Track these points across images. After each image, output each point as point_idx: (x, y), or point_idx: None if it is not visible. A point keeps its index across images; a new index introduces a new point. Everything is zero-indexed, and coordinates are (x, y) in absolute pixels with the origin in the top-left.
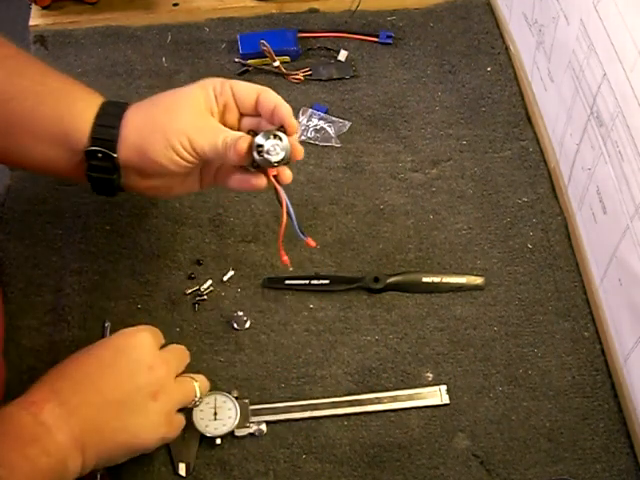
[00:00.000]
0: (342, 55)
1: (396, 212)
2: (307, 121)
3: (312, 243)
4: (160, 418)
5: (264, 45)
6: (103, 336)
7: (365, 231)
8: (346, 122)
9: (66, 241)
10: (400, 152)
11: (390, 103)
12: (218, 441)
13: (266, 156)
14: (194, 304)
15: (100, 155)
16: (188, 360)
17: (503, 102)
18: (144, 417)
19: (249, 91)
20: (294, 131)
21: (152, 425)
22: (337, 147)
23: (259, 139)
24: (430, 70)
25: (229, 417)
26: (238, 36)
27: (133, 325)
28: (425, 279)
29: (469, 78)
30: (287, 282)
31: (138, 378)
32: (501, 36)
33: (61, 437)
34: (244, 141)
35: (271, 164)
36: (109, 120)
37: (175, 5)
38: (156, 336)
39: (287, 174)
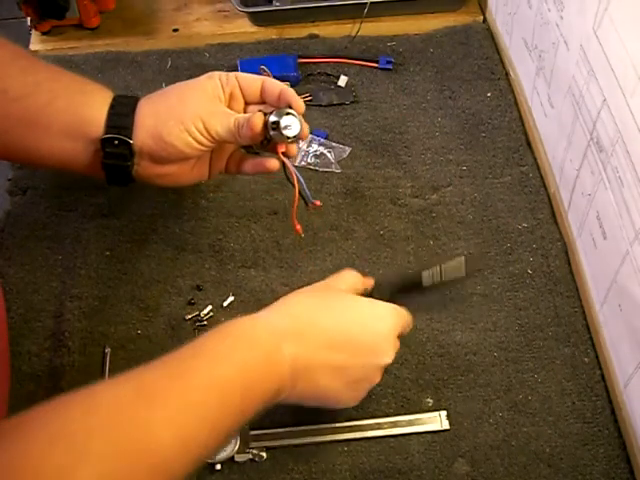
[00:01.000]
0: (342, 80)
1: (396, 238)
2: (307, 147)
3: (318, 203)
4: (362, 395)
5: (264, 70)
6: (103, 363)
7: (365, 257)
8: (346, 148)
9: (66, 266)
10: (400, 178)
11: (390, 129)
12: (218, 467)
13: (284, 132)
14: (194, 330)
15: (116, 142)
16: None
17: (503, 128)
18: (355, 389)
19: (254, 80)
20: (302, 110)
21: (354, 397)
22: (337, 172)
23: (273, 117)
24: (430, 95)
25: (229, 442)
26: (238, 61)
27: (133, 351)
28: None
29: (469, 104)
30: None
31: (374, 364)
32: (501, 62)
33: (286, 371)
34: (258, 117)
35: (287, 139)
36: (123, 109)
37: (175, 31)
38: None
39: (294, 148)
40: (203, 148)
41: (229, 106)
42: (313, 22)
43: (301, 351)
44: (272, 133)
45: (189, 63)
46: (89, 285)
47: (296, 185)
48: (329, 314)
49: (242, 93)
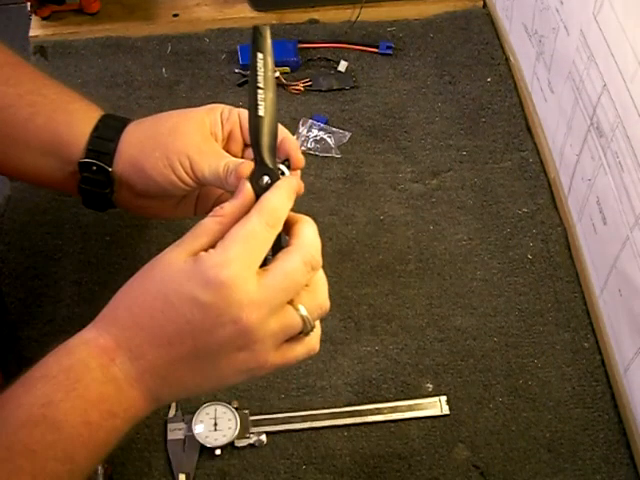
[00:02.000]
0: (342, 66)
1: (396, 223)
2: (307, 132)
3: None
4: (250, 365)
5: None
6: None
7: (365, 242)
8: (346, 133)
9: (66, 252)
10: (400, 163)
11: (390, 114)
12: (218, 452)
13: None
14: None
15: (94, 168)
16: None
17: (503, 113)
18: (231, 367)
19: None
20: (300, 166)
21: (240, 372)
22: (337, 158)
23: (265, 177)
24: (430, 81)
25: (229, 428)
26: (238, 47)
27: None
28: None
29: (469, 89)
30: None
31: (220, 332)
32: (501, 47)
33: (133, 393)
34: (247, 167)
35: None
36: (108, 133)
37: (175, 16)
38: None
39: (300, 187)
40: (186, 188)
41: (226, 146)
42: (313, 7)
43: (138, 363)
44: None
45: (189, 48)
46: (89, 270)
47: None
48: (147, 310)
49: (242, 133)
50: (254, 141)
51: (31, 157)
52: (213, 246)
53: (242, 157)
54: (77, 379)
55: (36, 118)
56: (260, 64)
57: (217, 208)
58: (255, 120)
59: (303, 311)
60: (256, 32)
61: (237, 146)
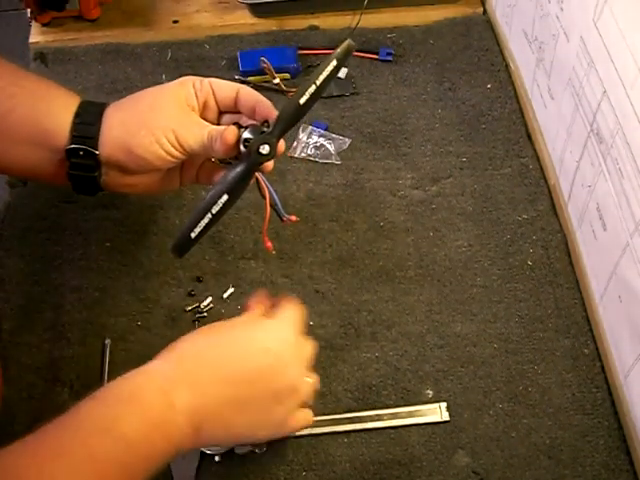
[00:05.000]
0: (342, 72)
1: (396, 229)
2: (307, 138)
3: (293, 218)
4: (282, 419)
5: (264, 62)
6: (103, 354)
7: (365, 248)
8: (346, 139)
9: (66, 258)
10: (400, 169)
11: (390, 120)
12: (218, 458)
13: (258, 150)
14: (194, 321)
15: (81, 153)
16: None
17: (503, 119)
18: (268, 417)
19: (228, 88)
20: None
21: (273, 425)
22: (337, 164)
23: (247, 134)
24: (430, 87)
25: None
26: (238, 53)
27: (133, 342)
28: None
29: (469, 95)
30: None
31: (278, 386)
32: (501, 53)
33: (183, 423)
34: (231, 133)
35: (261, 157)
36: (89, 117)
37: (175, 22)
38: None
39: (270, 164)
40: (174, 160)
41: (202, 115)
42: (313, 14)
43: (197, 396)
44: (244, 152)
45: (189, 55)
46: (89, 276)
47: (267, 203)
48: (216, 349)
49: (216, 101)
50: (280, 115)
51: (18, 150)
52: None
53: (219, 123)
54: (144, 401)
55: (18, 110)
56: (330, 69)
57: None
58: (293, 102)
59: (310, 382)
60: (349, 46)
61: (212, 114)
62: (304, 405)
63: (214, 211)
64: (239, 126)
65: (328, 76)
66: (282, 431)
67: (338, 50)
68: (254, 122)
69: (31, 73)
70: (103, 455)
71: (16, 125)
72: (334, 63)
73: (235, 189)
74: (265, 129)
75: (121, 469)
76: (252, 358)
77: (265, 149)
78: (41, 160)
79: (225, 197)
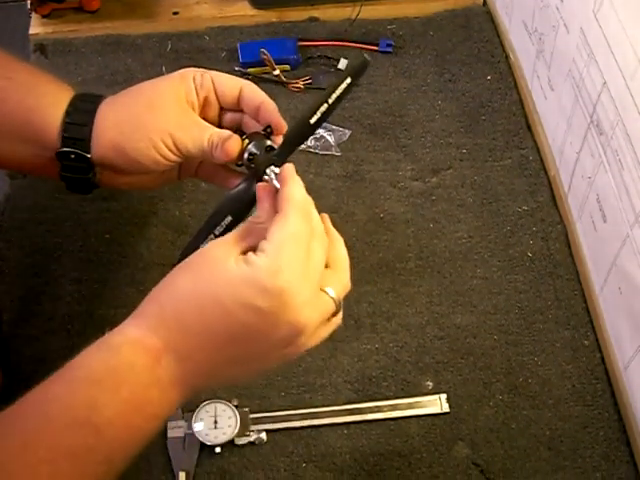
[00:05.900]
0: (342, 64)
1: (396, 221)
2: None
3: None
4: (292, 355)
5: (264, 54)
6: None
7: (365, 240)
8: (346, 131)
9: (66, 250)
10: (400, 161)
11: (390, 112)
12: (218, 450)
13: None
14: None
15: (73, 156)
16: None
17: (503, 111)
18: (274, 361)
19: (231, 85)
20: (283, 130)
21: (279, 362)
22: (337, 156)
23: (252, 147)
24: (430, 79)
25: (229, 425)
26: (238, 45)
27: None
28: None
29: (469, 87)
30: None
31: (275, 335)
32: (501, 44)
33: (174, 394)
34: (234, 143)
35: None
36: (81, 117)
37: (175, 14)
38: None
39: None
40: (171, 163)
41: (203, 112)
42: (313, 5)
43: (186, 365)
44: (247, 164)
45: (189, 46)
46: (89, 268)
47: None
48: (197, 305)
49: (217, 98)
50: (289, 135)
51: (10, 145)
52: (255, 246)
53: (219, 122)
54: (122, 382)
55: (7, 104)
56: (344, 87)
57: (252, 218)
58: (303, 121)
59: (332, 294)
60: (364, 62)
61: (213, 111)
62: (326, 323)
63: (217, 232)
64: (241, 133)
65: (341, 94)
66: (299, 354)
67: (352, 66)
68: (257, 130)
69: (25, 64)
70: (82, 450)
71: (6, 121)
72: (348, 81)
73: (240, 212)
74: (269, 141)
75: (103, 460)
76: (235, 317)
77: (272, 173)
78: (33, 157)
79: (229, 219)
